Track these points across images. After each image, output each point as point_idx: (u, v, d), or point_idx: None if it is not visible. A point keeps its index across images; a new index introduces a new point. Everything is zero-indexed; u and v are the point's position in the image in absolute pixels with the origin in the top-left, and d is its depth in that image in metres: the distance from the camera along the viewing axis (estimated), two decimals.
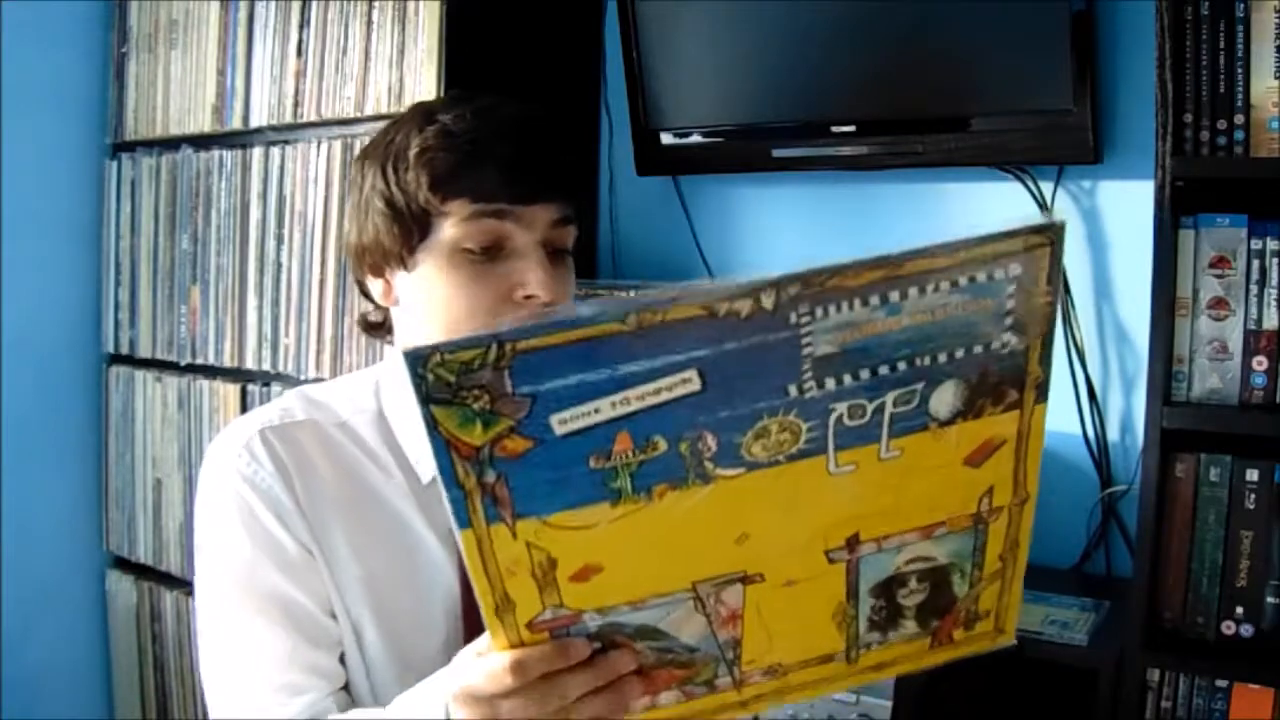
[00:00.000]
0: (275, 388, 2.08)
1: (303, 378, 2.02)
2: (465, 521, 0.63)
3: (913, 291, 0.60)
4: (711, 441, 0.62)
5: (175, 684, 2.29)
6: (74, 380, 2.40)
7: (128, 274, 2.35)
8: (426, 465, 0.98)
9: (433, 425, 0.60)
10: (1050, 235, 0.61)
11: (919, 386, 0.64)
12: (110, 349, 2.39)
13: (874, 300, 0.60)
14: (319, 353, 2.00)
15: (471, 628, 0.93)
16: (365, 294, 1.03)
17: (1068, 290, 1.75)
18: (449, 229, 0.92)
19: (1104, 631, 1.51)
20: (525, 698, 0.70)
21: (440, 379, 0.59)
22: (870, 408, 0.63)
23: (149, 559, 2.32)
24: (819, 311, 0.60)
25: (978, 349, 0.63)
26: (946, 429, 0.66)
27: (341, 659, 0.97)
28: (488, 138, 0.92)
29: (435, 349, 0.59)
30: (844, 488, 0.66)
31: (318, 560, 0.95)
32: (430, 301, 0.94)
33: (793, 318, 0.60)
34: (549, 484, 0.62)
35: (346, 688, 0.96)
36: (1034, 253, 0.61)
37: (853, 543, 0.69)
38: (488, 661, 0.70)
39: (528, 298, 0.91)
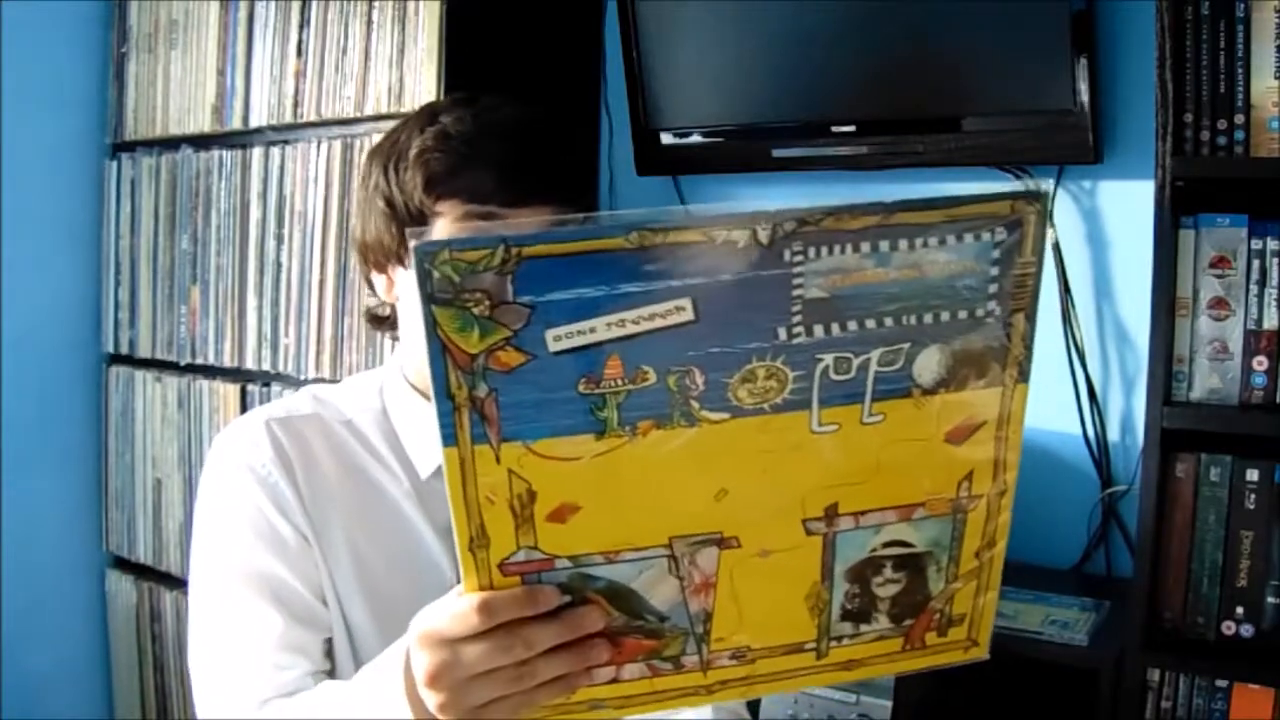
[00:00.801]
0: (275, 388, 2.08)
1: (303, 378, 2.02)
2: (451, 438, 0.63)
3: (902, 243, 0.62)
4: (699, 378, 0.63)
5: (175, 684, 2.29)
6: (74, 380, 2.40)
7: (128, 274, 2.35)
8: (425, 460, 1.01)
9: (432, 326, 0.60)
10: (1036, 204, 0.63)
11: (904, 346, 0.64)
12: (110, 349, 2.39)
13: (865, 247, 0.61)
14: (319, 353, 2.00)
15: None
16: (371, 288, 1.05)
17: (1068, 290, 1.75)
18: (442, 229, 0.94)
19: (1104, 631, 1.51)
20: (489, 645, 0.67)
21: (445, 277, 0.59)
22: (856, 362, 0.64)
23: (149, 559, 2.32)
24: (811, 252, 0.61)
25: (962, 314, 0.64)
26: (929, 398, 0.66)
27: (329, 648, 0.98)
28: (483, 140, 0.94)
29: (446, 244, 0.59)
30: (825, 449, 0.66)
31: (313, 549, 0.97)
32: None
33: (786, 255, 0.61)
34: (537, 406, 0.62)
35: (332, 675, 0.97)
36: (1020, 219, 0.63)
37: (831, 514, 0.68)
38: (454, 603, 0.68)
39: None
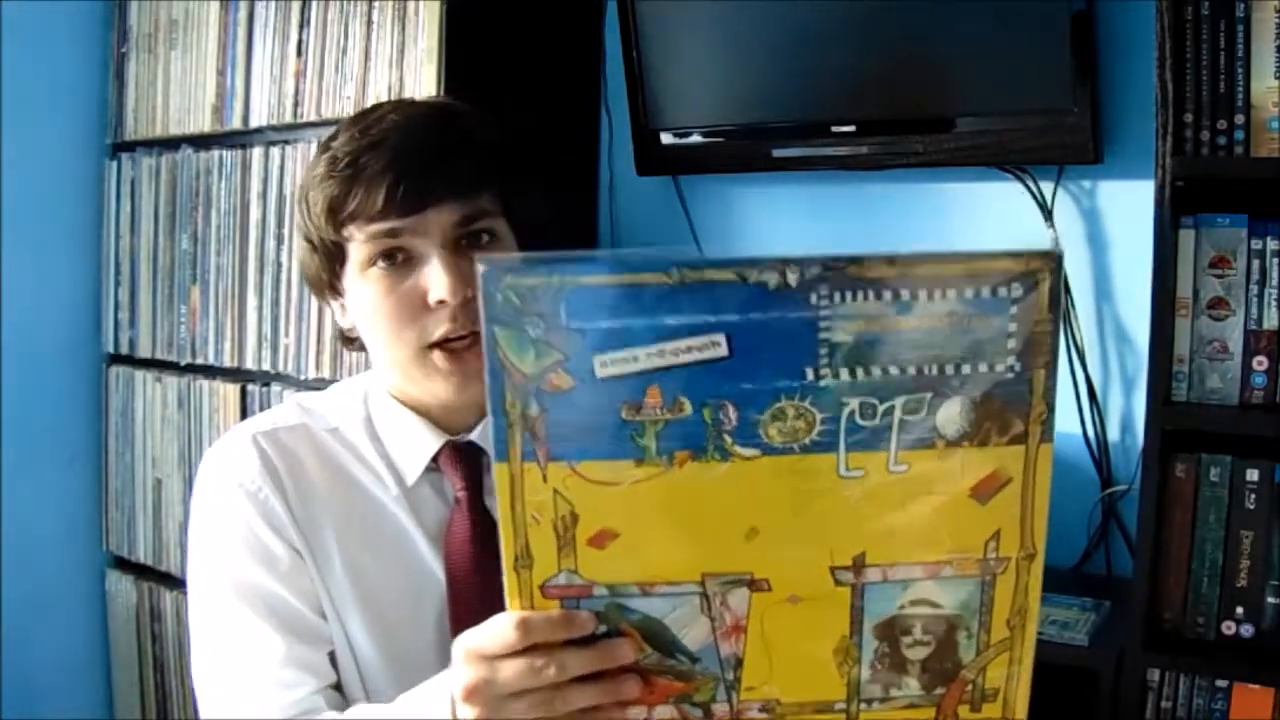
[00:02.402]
0: (275, 388, 2.08)
1: (303, 378, 2.02)
2: (503, 454, 0.68)
3: (922, 294, 0.65)
4: (732, 413, 0.67)
5: (175, 684, 2.29)
6: (74, 380, 2.40)
7: (127, 274, 2.35)
8: (411, 466, 1.01)
9: (493, 345, 0.66)
10: (1049, 262, 0.65)
11: (927, 396, 0.67)
12: (110, 349, 2.39)
13: (887, 295, 0.65)
14: (319, 353, 2.00)
15: (458, 621, 0.95)
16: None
17: (1068, 290, 1.75)
18: (355, 252, 0.95)
19: (1104, 631, 1.51)
20: (523, 664, 0.70)
21: (508, 300, 0.65)
22: (880, 409, 0.67)
23: (149, 559, 2.32)
24: (837, 297, 0.65)
25: (983, 367, 0.67)
26: (953, 450, 0.68)
27: (333, 659, 0.98)
28: (368, 158, 0.93)
29: (509, 269, 0.65)
30: (853, 495, 0.69)
31: (307, 563, 0.97)
32: (364, 319, 0.98)
33: (813, 298, 0.65)
34: (582, 429, 0.67)
35: (339, 687, 0.98)
36: (1034, 277, 0.65)
37: (859, 564, 0.71)
38: (496, 620, 0.72)
39: (440, 303, 0.93)
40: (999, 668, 0.74)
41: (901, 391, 0.67)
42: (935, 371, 0.67)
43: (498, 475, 0.68)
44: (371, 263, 0.94)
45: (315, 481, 0.99)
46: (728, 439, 0.67)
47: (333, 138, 0.98)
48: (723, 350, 0.66)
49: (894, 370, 0.66)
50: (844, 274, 0.64)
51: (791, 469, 0.68)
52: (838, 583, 0.71)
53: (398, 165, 0.92)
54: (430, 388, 0.97)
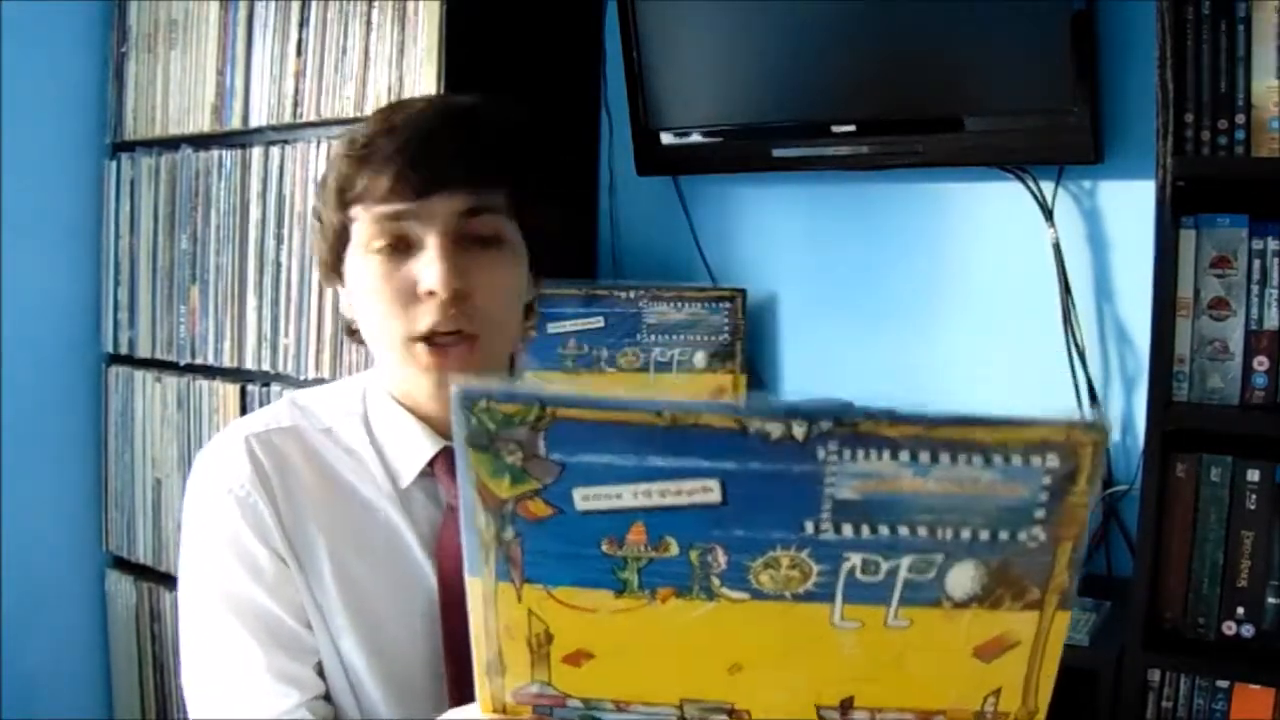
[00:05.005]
0: (275, 388, 2.08)
1: (302, 378, 2.02)
2: (477, 570, 0.64)
3: (944, 457, 0.59)
4: (722, 557, 0.63)
5: (175, 684, 2.29)
6: (74, 380, 2.40)
7: (127, 274, 2.35)
8: (406, 469, 0.99)
9: (467, 466, 0.62)
10: (1094, 434, 0.60)
11: (937, 558, 0.62)
12: (110, 349, 2.39)
13: (904, 456, 0.60)
14: (319, 353, 2.00)
15: (450, 629, 0.94)
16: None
17: (1068, 290, 1.75)
18: (358, 234, 0.95)
19: (1104, 631, 1.51)
20: None
21: (482, 424, 0.61)
22: (885, 566, 0.63)
23: (149, 559, 2.32)
24: (846, 453, 0.60)
25: (1003, 535, 0.61)
26: (960, 611, 0.63)
27: (321, 669, 0.97)
28: (382, 141, 0.93)
29: (485, 394, 0.61)
30: (846, 644, 0.65)
31: (294, 571, 0.96)
32: (359, 303, 0.97)
33: (820, 453, 0.60)
34: (560, 557, 0.64)
35: (327, 697, 0.97)
36: (1076, 448, 0.59)
37: (846, 706, 0.67)
38: (471, 717, 0.70)
39: (430, 294, 0.91)
40: None
41: (910, 551, 0.62)
42: (949, 535, 0.61)
43: (470, 589, 0.65)
44: (372, 246, 0.94)
45: (307, 486, 0.98)
46: (715, 580, 0.63)
47: (362, 122, 0.98)
48: (715, 497, 0.61)
49: (903, 530, 0.61)
50: (856, 430, 0.59)
51: (782, 614, 0.63)
52: None
53: (409, 150, 0.92)
54: (416, 381, 0.96)
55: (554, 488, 0.62)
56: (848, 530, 0.61)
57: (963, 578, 0.63)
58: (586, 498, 0.62)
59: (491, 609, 0.65)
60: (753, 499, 0.61)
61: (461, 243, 0.93)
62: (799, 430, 0.59)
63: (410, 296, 0.92)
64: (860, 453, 0.59)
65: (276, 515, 0.96)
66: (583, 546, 0.63)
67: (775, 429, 0.59)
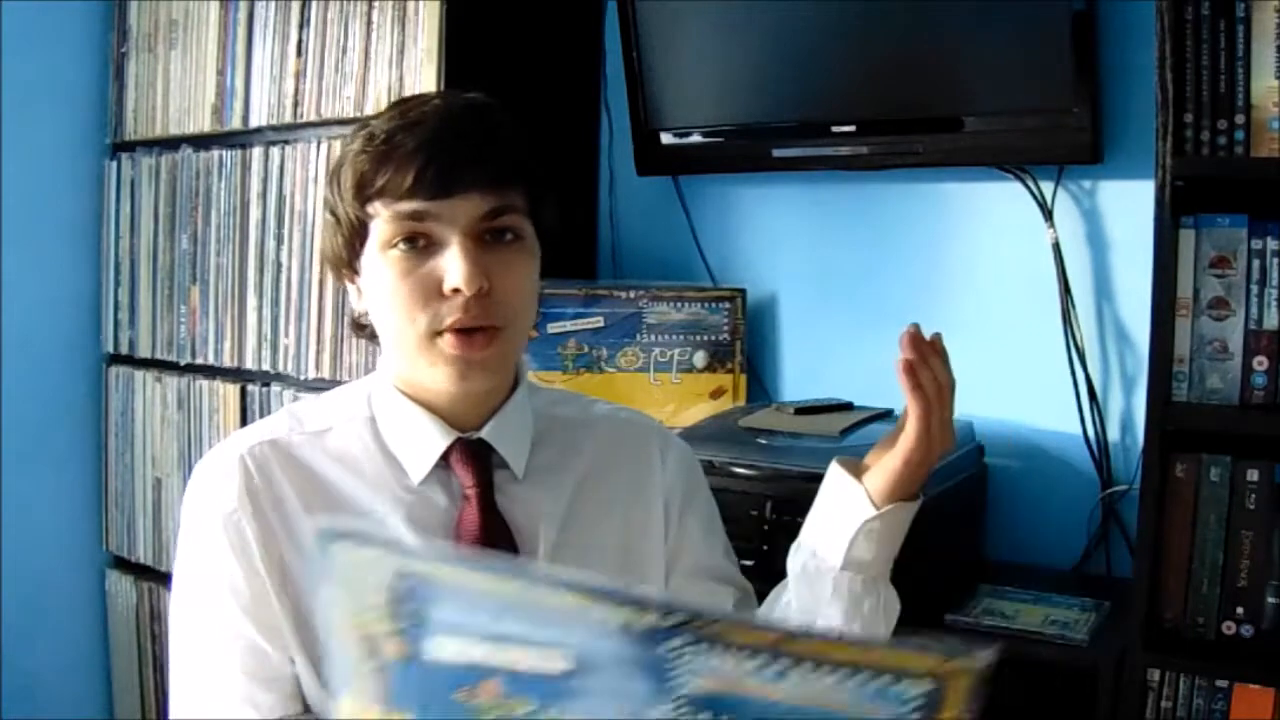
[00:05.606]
0: (275, 388, 2.08)
1: (302, 378, 2.02)
2: (345, 687, 0.65)
3: (798, 670, 0.58)
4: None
5: None
6: (74, 380, 2.40)
7: (127, 274, 2.34)
8: (419, 463, 1.00)
9: (330, 602, 0.63)
10: (969, 665, 0.58)
11: None
12: (110, 349, 2.39)
13: (758, 661, 0.58)
14: (319, 353, 2.00)
15: None
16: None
17: (1068, 290, 1.75)
18: (377, 231, 0.94)
19: (1104, 631, 1.51)
20: None
21: (344, 563, 0.62)
22: None
23: (149, 559, 2.32)
24: (690, 651, 0.58)
25: None
26: None
27: (292, 690, 0.96)
28: (401, 137, 0.93)
29: (345, 535, 0.62)
30: None
31: (273, 589, 0.95)
32: (378, 302, 0.97)
33: (662, 649, 0.59)
34: (419, 696, 0.64)
35: (307, 709, 0.96)
36: (946, 678, 0.58)
37: None
38: None
39: (455, 291, 0.92)
40: None
41: None
42: None
43: (340, 704, 0.65)
44: (392, 243, 0.94)
45: (297, 500, 0.97)
46: None
47: (374, 117, 0.98)
48: (568, 665, 0.60)
49: None
50: (706, 632, 0.58)
51: None
52: None
53: (431, 147, 0.92)
54: (434, 374, 0.96)
55: (412, 632, 0.62)
56: (703, 717, 0.59)
57: None
58: (441, 647, 0.62)
59: None
60: (600, 673, 0.60)
61: (482, 240, 0.94)
62: (645, 622, 0.58)
63: (433, 293, 0.93)
64: (708, 650, 0.58)
65: (261, 533, 0.96)
66: (437, 690, 0.63)
67: (615, 618, 0.59)
